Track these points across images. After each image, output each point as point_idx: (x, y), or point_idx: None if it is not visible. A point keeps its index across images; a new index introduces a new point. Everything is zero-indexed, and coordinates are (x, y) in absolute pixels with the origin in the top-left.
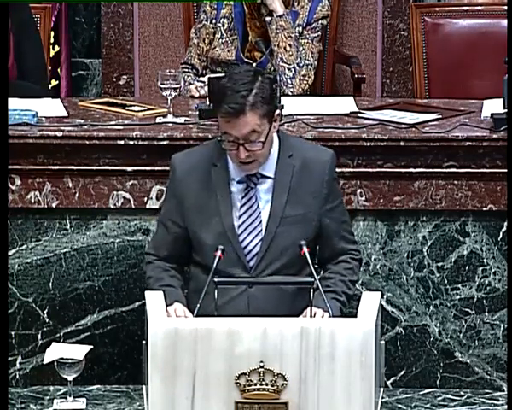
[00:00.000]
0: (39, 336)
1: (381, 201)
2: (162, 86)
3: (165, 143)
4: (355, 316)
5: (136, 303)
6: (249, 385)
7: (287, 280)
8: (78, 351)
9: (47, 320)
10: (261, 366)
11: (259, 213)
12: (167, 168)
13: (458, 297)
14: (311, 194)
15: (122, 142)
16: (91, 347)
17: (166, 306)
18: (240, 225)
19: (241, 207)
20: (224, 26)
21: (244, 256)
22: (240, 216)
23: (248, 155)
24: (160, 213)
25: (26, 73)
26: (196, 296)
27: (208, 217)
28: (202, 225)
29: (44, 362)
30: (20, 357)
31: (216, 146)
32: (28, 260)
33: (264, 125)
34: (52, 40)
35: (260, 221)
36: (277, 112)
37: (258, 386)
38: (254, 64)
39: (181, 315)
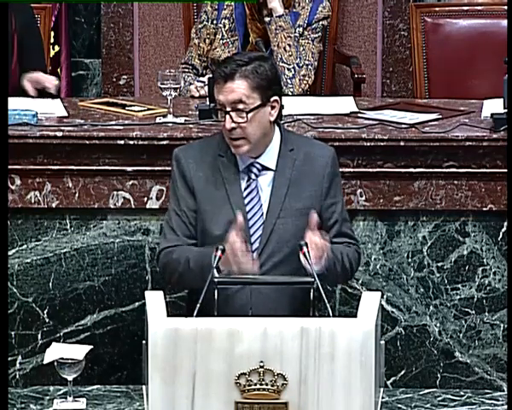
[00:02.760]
0: (39, 336)
1: (381, 201)
2: (162, 86)
3: (165, 143)
4: (355, 316)
5: (136, 303)
6: (249, 385)
7: (287, 280)
8: (78, 351)
9: (47, 320)
10: (261, 366)
11: (261, 206)
12: (167, 168)
13: (458, 297)
14: (312, 188)
15: (122, 142)
16: (91, 347)
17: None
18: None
19: (244, 198)
20: (224, 26)
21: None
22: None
23: (234, 128)
24: (170, 209)
25: (29, 73)
26: (199, 292)
27: (218, 207)
28: (211, 215)
29: (44, 362)
30: (20, 357)
31: (220, 138)
32: (28, 260)
33: (254, 99)
34: (52, 40)
35: (262, 214)
36: (275, 98)
37: (258, 386)
38: None
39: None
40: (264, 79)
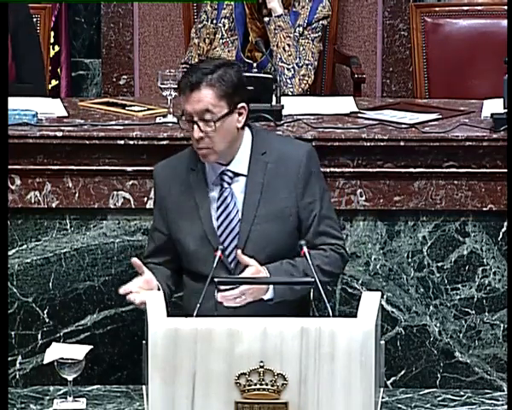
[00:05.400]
0: (39, 336)
1: (381, 201)
2: (162, 86)
3: (165, 143)
4: (355, 316)
5: None
6: (249, 385)
7: (287, 280)
8: (78, 351)
9: (47, 320)
10: (261, 366)
11: (237, 213)
12: None
13: (458, 297)
14: (286, 189)
15: (122, 142)
16: (91, 347)
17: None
18: (219, 227)
19: (218, 208)
20: (224, 26)
21: (226, 258)
22: (218, 218)
23: (202, 137)
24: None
25: (23, 73)
26: (191, 300)
27: (189, 222)
28: (184, 231)
29: (44, 362)
30: (20, 357)
31: (191, 151)
32: (28, 260)
33: (221, 108)
34: (52, 40)
35: (238, 220)
36: (242, 104)
37: (258, 386)
38: (255, 64)
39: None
40: (229, 87)
